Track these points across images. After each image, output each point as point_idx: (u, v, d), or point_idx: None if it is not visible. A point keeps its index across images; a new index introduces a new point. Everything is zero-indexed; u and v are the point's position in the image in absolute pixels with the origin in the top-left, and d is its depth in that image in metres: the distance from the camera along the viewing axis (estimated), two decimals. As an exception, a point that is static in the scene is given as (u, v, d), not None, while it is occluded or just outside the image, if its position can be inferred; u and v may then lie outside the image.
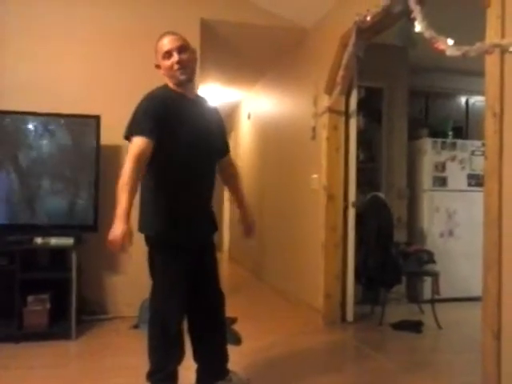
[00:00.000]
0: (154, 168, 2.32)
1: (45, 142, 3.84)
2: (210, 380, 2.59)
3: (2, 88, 4.06)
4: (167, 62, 2.39)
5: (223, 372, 2.62)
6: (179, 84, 2.43)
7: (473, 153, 5.30)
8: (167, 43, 2.40)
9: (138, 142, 2.23)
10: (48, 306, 3.64)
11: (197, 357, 2.61)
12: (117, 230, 2.07)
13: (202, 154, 2.43)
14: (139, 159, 2.19)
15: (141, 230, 2.46)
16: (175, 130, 2.34)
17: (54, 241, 3.68)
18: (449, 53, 2.21)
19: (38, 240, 3.66)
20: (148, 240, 2.47)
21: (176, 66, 2.38)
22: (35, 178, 3.81)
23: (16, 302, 3.55)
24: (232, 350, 3.47)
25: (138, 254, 4.32)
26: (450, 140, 5.37)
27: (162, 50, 2.41)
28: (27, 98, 4.06)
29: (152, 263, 2.47)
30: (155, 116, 2.30)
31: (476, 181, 5.19)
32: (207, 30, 4.62)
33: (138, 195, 2.36)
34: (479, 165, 5.16)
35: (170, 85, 2.46)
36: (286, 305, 5.03)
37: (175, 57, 2.38)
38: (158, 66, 2.49)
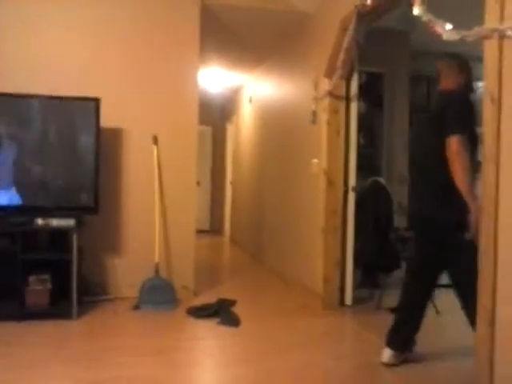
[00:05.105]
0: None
1: (45, 124, 3.85)
2: None
3: (3, 70, 4.07)
4: None
5: None
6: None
7: (474, 139, 5.28)
8: None
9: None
10: (49, 286, 3.69)
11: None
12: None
13: None
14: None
15: (438, 215, 2.73)
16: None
17: (54, 222, 3.71)
18: (446, 37, 2.20)
19: (39, 221, 3.70)
20: (443, 226, 2.72)
21: None
22: (36, 160, 3.83)
23: (18, 282, 3.60)
24: (230, 332, 3.55)
25: (138, 235, 4.41)
26: (451, 126, 5.35)
27: None
28: (28, 80, 4.07)
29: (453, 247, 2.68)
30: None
31: (476, 167, 5.18)
32: (208, 14, 4.60)
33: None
34: (480, 151, 5.15)
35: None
36: (285, 288, 5.08)
37: None
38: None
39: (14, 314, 3.59)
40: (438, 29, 2.22)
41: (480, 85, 5.71)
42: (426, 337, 3.67)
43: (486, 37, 2.23)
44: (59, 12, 4.22)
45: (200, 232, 6.98)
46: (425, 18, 2.28)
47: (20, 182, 3.80)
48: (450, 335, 3.75)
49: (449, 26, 2.21)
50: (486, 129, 2.35)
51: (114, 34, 4.35)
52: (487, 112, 2.33)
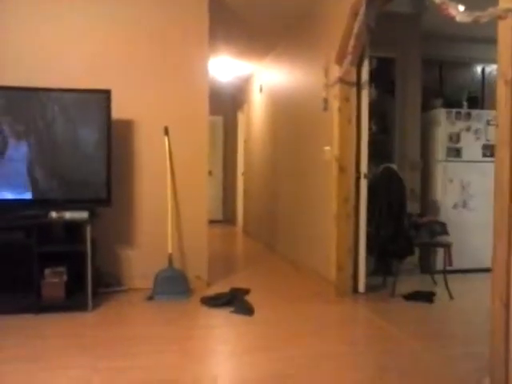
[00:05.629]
0: None
1: (57, 117, 3.86)
2: None
3: (11, 63, 4.08)
4: None
5: None
6: None
7: (488, 123, 5.22)
8: None
9: None
10: (65, 278, 3.73)
11: None
12: None
13: None
14: None
15: None
16: None
17: (68, 215, 3.73)
18: (459, 19, 2.16)
19: (53, 214, 3.72)
20: None
21: None
22: (49, 153, 3.85)
23: (34, 275, 3.64)
24: (244, 320, 3.56)
25: (150, 226, 4.43)
26: (464, 110, 5.29)
27: None
28: (37, 73, 4.09)
29: None
30: None
31: (491, 151, 5.12)
32: (216, 2, 4.57)
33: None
34: (494, 134, 5.08)
35: None
36: (298, 276, 5.08)
37: None
38: None
39: (30, 306, 3.63)
40: (452, 11, 2.18)
41: (494, 67, 5.63)
42: (441, 323, 3.65)
43: (500, 17, 2.18)
44: (68, 3, 4.21)
45: (212, 222, 6.99)
46: (437, 0, 2.24)
47: (33, 176, 3.82)
48: (464, 319, 3.72)
49: (461, 8, 2.16)
50: (500, 111, 2.31)
51: (123, 26, 4.34)
52: (501, 94, 2.29)
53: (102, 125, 3.92)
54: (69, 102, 3.89)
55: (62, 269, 3.73)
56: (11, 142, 3.78)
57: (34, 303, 3.64)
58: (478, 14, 2.15)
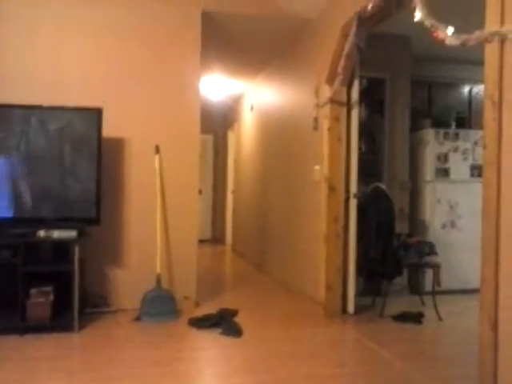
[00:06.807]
0: None
1: (47, 135, 3.83)
2: None
3: (5, 81, 4.07)
4: None
5: None
6: None
7: (476, 143, 5.27)
8: None
9: None
10: (51, 298, 3.66)
11: None
12: None
13: None
14: None
15: None
16: None
17: (56, 233, 3.68)
18: (448, 42, 2.19)
19: (41, 233, 3.67)
20: None
21: None
22: (38, 171, 3.81)
23: (19, 295, 3.57)
24: (233, 342, 3.51)
25: (139, 246, 4.39)
26: (452, 130, 5.34)
27: None
28: (30, 91, 4.08)
29: None
30: None
31: (479, 171, 5.15)
32: (208, 21, 4.60)
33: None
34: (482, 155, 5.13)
35: None
36: (287, 296, 5.04)
37: None
38: None
39: (15, 327, 3.55)
40: (441, 34, 2.21)
41: (481, 87, 5.71)
42: (430, 344, 3.64)
43: (486, 40, 2.21)
44: (59, 21, 4.22)
45: (201, 241, 6.94)
46: (427, 23, 2.27)
47: (21, 193, 3.78)
48: (453, 340, 3.71)
49: (450, 31, 2.19)
50: (487, 131, 2.33)
51: (115, 44, 4.35)
52: (488, 115, 2.32)
53: (93, 143, 3.90)
54: (60, 119, 3.87)
55: (48, 288, 3.66)
56: (-1, 159, 3.75)
57: (19, 323, 3.56)
58: (465, 37, 2.18)
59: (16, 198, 3.77)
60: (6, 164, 3.76)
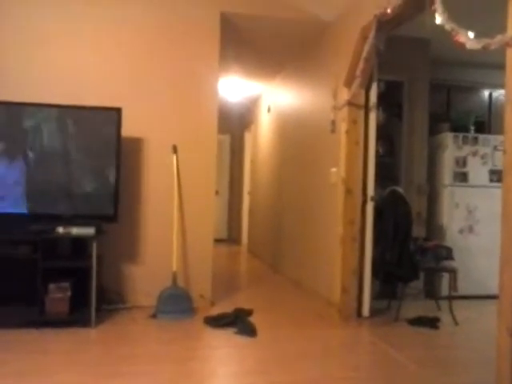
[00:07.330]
0: None
1: (67, 134, 3.90)
2: None
3: (20, 79, 4.14)
4: None
5: None
6: None
7: (495, 148, 5.21)
8: None
9: None
10: (69, 293, 3.71)
11: None
12: None
13: None
14: None
15: None
16: None
17: (75, 230, 3.75)
18: (469, 46, 2.18)
19: (60, 229, 3.74)
20: None
21: None
22: (58, 169, 3.88)
23: (38, 290, 3.63)
24: (247, 342, 3.53)
25: (156, 244, 4.43)
26: (471, 135, 5.29)
27: None
28: (46, 90, 4.14)
29: None
30: None
31: (498, 177, 5.09)
32: (227, 23, 4.64)
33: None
34: (502, 160, 5.08)
35: None
36: (302, 298, 5.04)
37: None
38: None
39: (33, 321, 3.62)
40: (461, 38, 2.20)
41: (501, 92, 5.65)
42: (446, 348, 3.61)
43: (508, 44, 2.20)
44: (80, 21, 4.29)
45: (217, 241, 6.98)
46: (447, 27, 2.27)
47: (41, 191, 3.85)
48: (469, 346, 3.67)
49: (471, 35, 2.18)
50: (508, 136, 2.32)
51: (134, 44, 4.40)
52: (509, 120, 2.30)
53: (112, 142, 3.95)
54: (80, 118, 3.93)
55: (66, 284, 3.72)
56: (20, 155, 3.81)
57: (37, 317, 3.63)
58: (487, 41, 2.17)
59: (34, 195, 3.84)
60: (25, 161, 3.83)
